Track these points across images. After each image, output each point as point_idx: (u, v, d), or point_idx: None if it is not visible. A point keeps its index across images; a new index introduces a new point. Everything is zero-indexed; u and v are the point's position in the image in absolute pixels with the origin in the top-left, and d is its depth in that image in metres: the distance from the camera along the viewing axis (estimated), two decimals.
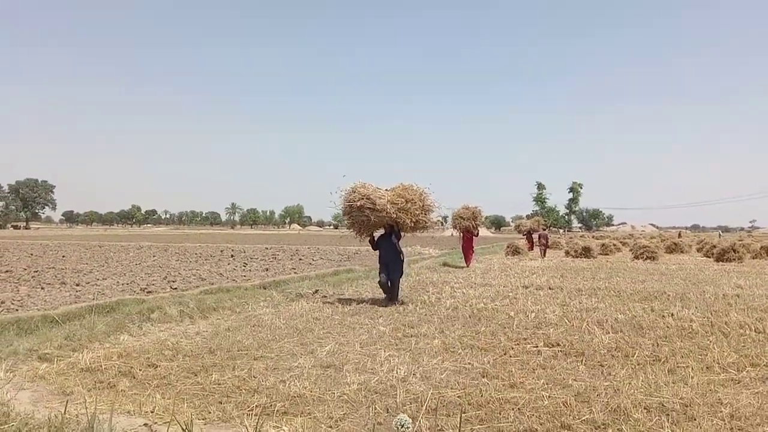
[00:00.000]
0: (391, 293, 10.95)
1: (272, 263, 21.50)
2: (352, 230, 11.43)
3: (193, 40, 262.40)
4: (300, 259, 24.13)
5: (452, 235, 21.83)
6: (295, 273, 16.73)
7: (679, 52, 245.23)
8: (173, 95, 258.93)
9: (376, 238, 11.44)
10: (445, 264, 21.64)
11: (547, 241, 28.94)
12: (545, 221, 40.96)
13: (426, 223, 11.22)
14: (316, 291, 12.46)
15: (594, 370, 5.97)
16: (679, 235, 60.94)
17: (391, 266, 11.08)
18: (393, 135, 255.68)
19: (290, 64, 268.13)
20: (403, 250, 11.59)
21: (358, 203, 10.77)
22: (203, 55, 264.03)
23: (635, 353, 6.63)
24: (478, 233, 21.89)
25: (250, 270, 18.24)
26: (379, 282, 11.14)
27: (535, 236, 32.03)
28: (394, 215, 10.69)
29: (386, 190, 11.14)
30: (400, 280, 11.37)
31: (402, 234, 11.26)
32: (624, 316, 9.31)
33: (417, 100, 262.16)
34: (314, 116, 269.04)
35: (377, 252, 11.47)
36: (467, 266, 20.77)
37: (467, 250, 21.47)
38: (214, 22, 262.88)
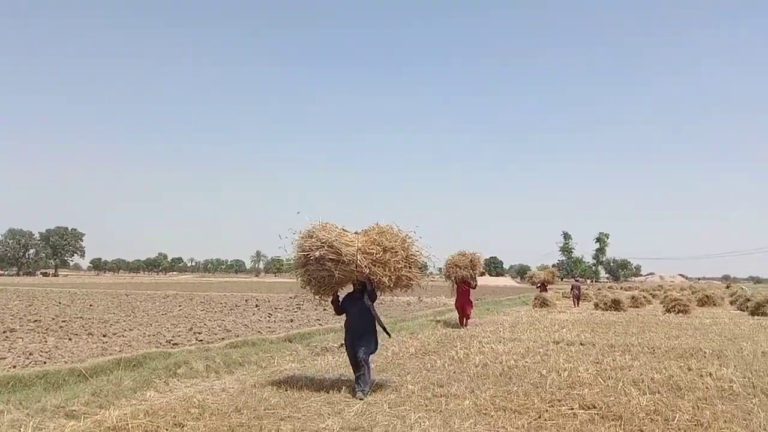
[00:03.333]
0: (359, 376, 7.87)
1: (297, 314, 21.40)
2: (308, 288, 8.36)
3: (222, 88, 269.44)
4: (324, 310, 23.81)
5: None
6: (320, 325, 16.66)
7: (710, 103, 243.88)
8: (199, 144, 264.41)
9: (340, 298, 8.45)
10: (438, 321, 18.28)
11: (579, 291, 31.08)
12: (559, 273, 39.82)
13: (410, 279, 8.31)
14: (342, 345, 12.29)
15: None
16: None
17: (361, 337, 8.09)
18: (415, 177, 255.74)
19: (316, 109, 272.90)
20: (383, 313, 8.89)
21: (317, 253, 7.76)
22: (229, 104, 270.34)
23: (675, 417, 6.36)
24: (476, 285, 18.32)
25: (275, 321, 18.18)
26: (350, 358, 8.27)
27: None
28: (367, 270, 7.75)
29: (356, 233, 8.23)
30: (372, 358, 8.41)
31: (378, 294, 8.32)
32: (660, 375, 8.99)
33: (443, 139, 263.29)
34: (336, 162, 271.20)
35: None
36: (463, 325, 17.39)
37: (464, 305, 17.78)
38: (236, 68, 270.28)
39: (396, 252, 8.03)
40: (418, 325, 16.77)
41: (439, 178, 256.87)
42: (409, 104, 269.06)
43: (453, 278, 18.09)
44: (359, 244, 7.83)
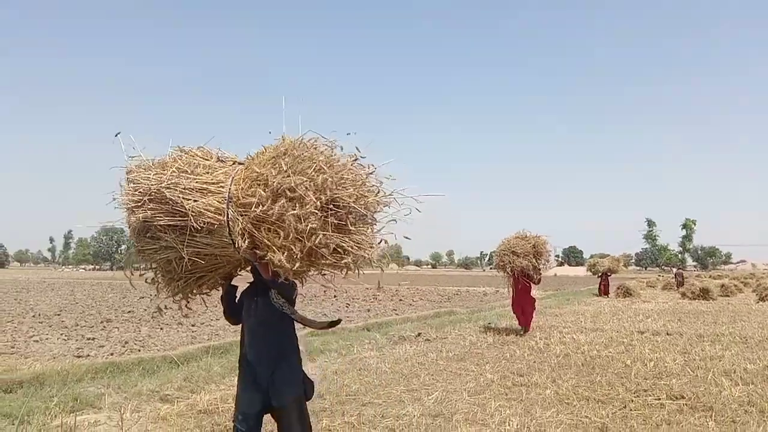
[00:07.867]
0: None
1: (373, 304, 21.68)
2: (156, 281, 4.04)
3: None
4: (400, 300, 24.22)
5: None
6: (396, 314, 16.79)
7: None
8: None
9: (238, 293, 4.34)
10: (487, 326, 14.13)
11: (682, 279, 32.67)
12: (626, 261, 36.77)
13: (338, 252, 3.66)
14: (419, 334, 12.36)
15: (725, 426, 5.52)
16: None
17: (274, 370, 3.86)
18: (497, 166, 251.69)
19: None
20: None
21: (135, 216, 3.65)
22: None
23: None
24: (539, 279, 13.57)
25: (352, 311, 18.49)
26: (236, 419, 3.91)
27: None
28: (244, 240, 3.54)
29: (237, 163, 3.95)
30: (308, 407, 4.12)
31: (296, 285, 4.01)
32: (754, 365, 8.57)
33: (525, 126, 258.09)
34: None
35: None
36: (523, 328, 13.18)
37: (523, 303, 13.31)
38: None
39: (301, 199, 3.47)
40: (496, 316, 16.63)
41: (522, 166, 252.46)
42: (492, 89, 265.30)
43: (509, 270, 13.36)
44: (232, 187, 3.65)
